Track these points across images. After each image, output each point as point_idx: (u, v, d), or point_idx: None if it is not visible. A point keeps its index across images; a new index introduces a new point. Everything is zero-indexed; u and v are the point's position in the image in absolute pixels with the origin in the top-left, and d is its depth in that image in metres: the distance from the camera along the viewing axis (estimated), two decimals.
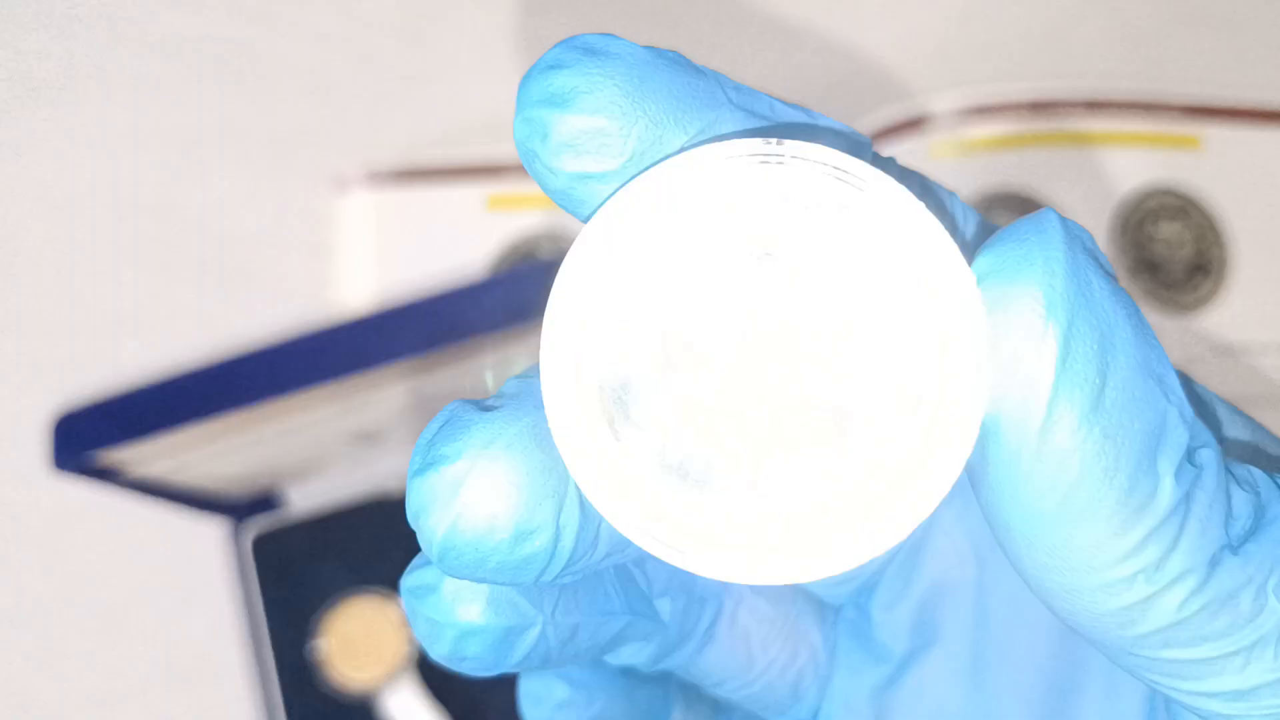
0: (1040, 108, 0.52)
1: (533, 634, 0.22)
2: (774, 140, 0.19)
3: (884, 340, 0.19)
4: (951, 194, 0.23)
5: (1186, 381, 0.24)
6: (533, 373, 0.20)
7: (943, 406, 0.19)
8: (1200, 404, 0.23)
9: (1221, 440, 0.22)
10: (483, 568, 0.20)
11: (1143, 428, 0.19)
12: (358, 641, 0.51)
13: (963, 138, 0.52)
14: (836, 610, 0.27)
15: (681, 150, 0.19)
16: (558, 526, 0.20)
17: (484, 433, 0.20)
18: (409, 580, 0.22)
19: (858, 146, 0.21)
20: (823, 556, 0.19)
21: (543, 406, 0.19)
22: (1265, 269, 0.53)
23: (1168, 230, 0.53)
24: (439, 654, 0.22)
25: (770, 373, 0.19)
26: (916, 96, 0.53)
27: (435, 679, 0.51)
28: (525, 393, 0.20)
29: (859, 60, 0.55)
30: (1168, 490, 0.19)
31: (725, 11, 0.56)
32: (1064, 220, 0.19)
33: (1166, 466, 0.19)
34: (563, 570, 0.20)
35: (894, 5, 0.56)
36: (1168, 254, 0.53)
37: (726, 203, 0.19)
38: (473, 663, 0.22)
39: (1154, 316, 0.52)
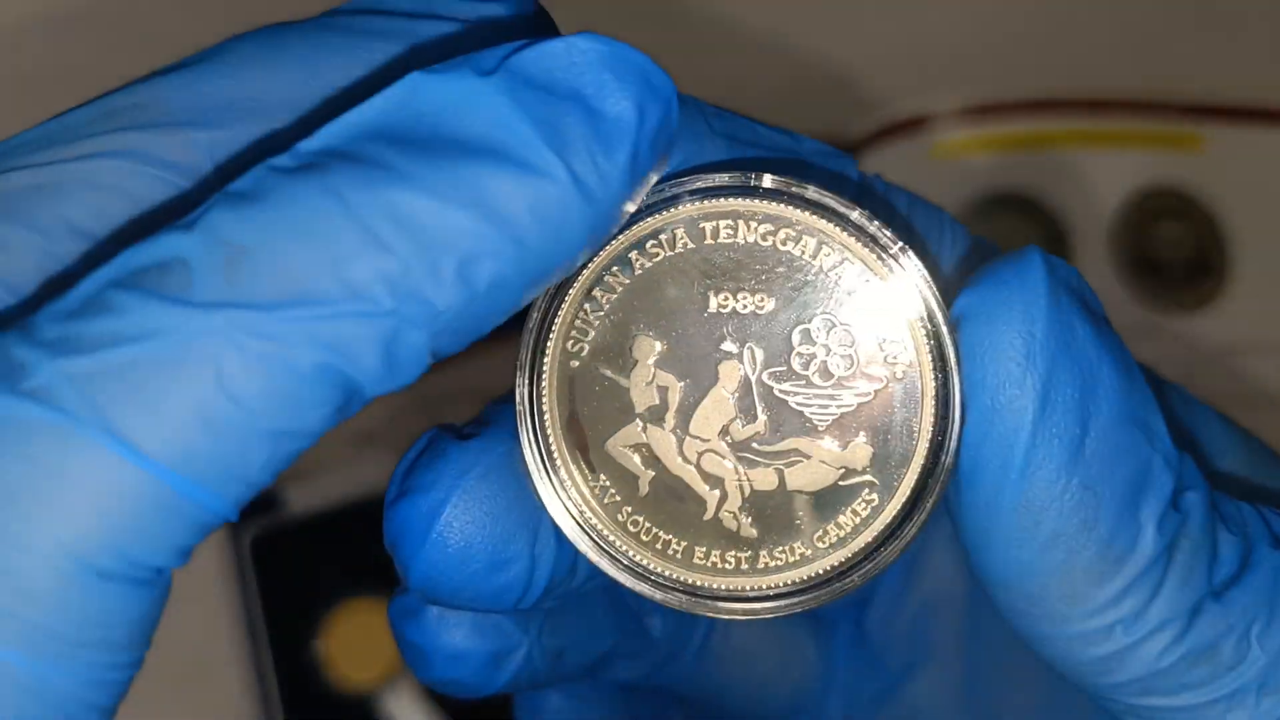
0: (1040, 108, 0.52)
1: (518, 656, 0.22)
2: (753, 174, 0.19)
3: (858, 377, 0.19)
4: (941, 212, 0.22)
5: (1186, 402, 0.23)
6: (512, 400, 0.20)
7: (918, 445, 0.19)
8: (1193, 434, 0.23)
9: (1213, 475, 0.22)
10: (460, 595, 0.20)
11: (1125, 477, 0.18)
12: (357, 641, 0.51)
13: (963, 138, 0.52)
14: (833, 624, 0.27)
15: (663, 181, 0.19)
16: (532, 556, 0.20)
17: (460, 461, 0.20)
18: (395, 605, 0.22)
19: (839, 176, 0.21)
20: (799, 593, 0.19)
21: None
22: (1266, 269, 0.53)
23: (1168, 230, 0.53)
24: (426, 677, 0.22)
25: (745, 406, 0.19)
26: (917, 97, 0.53)
27: None
28: (504, 420, 0.20)
29: (860, 61, 0.55)
30: (1149, 540, 0.18)
31: (726, 12, 0.55)
32: (1048, 259, 0.19)
33: (1149, 515, 0.18)
34: (541, 597, 0.20)
35: (895, 6, 0.55)
36: (1168, 254, 0.53)
37: (703, 238, 0.19)
38: (460, 685, 0.22)
39: (1155, 317, 0.52)
